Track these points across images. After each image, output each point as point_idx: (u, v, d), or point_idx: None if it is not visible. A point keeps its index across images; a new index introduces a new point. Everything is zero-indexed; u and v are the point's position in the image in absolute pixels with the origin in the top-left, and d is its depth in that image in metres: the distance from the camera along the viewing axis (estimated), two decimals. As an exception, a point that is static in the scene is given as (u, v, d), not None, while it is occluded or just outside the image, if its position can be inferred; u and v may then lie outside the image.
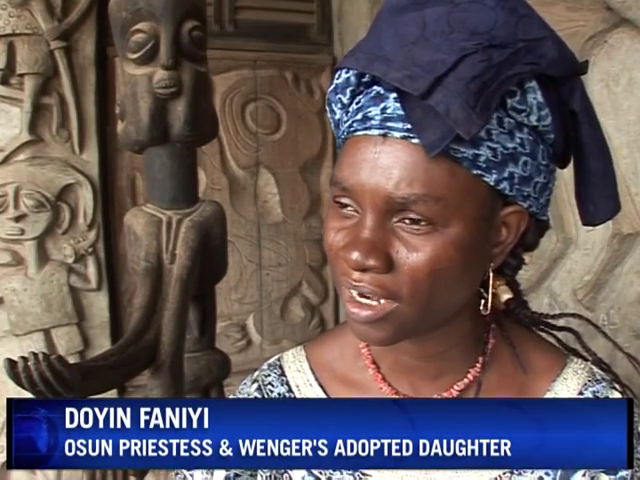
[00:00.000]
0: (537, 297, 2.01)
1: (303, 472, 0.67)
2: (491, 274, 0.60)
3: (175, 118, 1.47)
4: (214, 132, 1.63)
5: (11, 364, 1.04)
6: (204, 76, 1.54)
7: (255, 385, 0.71)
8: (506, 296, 0.63)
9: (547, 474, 0.64)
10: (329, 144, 2.53)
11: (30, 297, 2.04)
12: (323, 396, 0.69)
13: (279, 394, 0.70)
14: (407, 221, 0.53)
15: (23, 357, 1.05)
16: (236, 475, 0.68)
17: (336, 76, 0.59)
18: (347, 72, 0.57)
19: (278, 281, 2.51)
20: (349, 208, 0.56)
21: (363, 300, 0.56)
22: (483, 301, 0.61)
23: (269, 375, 0.72)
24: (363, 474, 0.65)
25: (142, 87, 1.45)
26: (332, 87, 0.59)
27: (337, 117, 0.61)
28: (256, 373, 0.73)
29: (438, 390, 0.65)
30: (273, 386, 0.70)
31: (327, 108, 0.62)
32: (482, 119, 0.51)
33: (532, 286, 2.01)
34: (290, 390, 0.70)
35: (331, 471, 0.66)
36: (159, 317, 1.40)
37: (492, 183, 0.54)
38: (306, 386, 0.70)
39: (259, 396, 0.70)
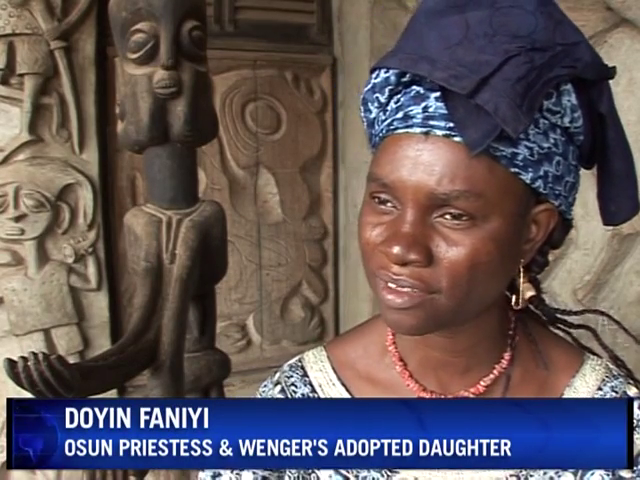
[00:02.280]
0: (537, 297, 2.01)
1: (330, 471, 0.67)
2: (522, 270, 0.62)
3: (175, 118, 1.47)
4: (214, 132, 1.63)
5: (11, 364, 1.04)
6: (204, 76, 1.54)
7: (278, 387, 0.72)
8: (529, 293, 0.64)
9: (558, 474, 0.64)
10: (329, 144, 2.53)
11: (30, 297, 2.04)
12: (347, 395, 0.69)
13: (303, 394, 0.70)
14: (448, 216, 0.55)
15: (23, 357, 1.05)
16: (264, 478, 0.69)
17: (374, 75, 0.60)
18: (386, 72, 0.58)
19: (278, 281, 2.51)
20: (388, 204, 0.58)
21: (400, 289, 0.57)
22: (514, 297, 0.63)
23: (291, 376, 0.72)
24: (391, 471, 0.66)
25: (142, 87, 1.45)
26: (369, 86, 0.61)
27: (372, 116, 0.62)
28: (277, 375, 0.73)
29: (465, 386, 0.66)
30: (296, 387, 0.71)
31: (362, 107, 0.63)
32: (528, 118, 0.53)
33: (532, 286, 2.01)
34: (314, 390, 0.70)
35: (358, 469, 0.66)
36: (159, 317, 1.40)
37: (528, 181, 0.56)
38: (329, 386, 0.70)
39: (283, 397, 0.70)
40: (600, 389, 0.67)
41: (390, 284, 0.57)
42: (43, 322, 2.06)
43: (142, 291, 1.43)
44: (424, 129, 0.55)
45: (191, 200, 1.57)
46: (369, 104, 0.61)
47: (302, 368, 0.72)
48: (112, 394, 2.12)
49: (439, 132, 0.55)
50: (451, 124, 0.54)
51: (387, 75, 0.58)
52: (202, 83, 1.52)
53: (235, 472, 0.70)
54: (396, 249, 0.55)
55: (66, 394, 1.09)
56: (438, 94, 0.55)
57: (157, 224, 1.52)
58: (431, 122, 0.55)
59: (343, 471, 0.67)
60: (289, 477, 0.68)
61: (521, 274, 0.62)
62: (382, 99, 0.60)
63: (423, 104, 0.56)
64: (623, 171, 0.63)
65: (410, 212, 0.56)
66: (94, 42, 2.06)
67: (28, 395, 1.08)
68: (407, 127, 0.56)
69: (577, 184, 0.62)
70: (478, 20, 0.55)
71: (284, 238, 2.51)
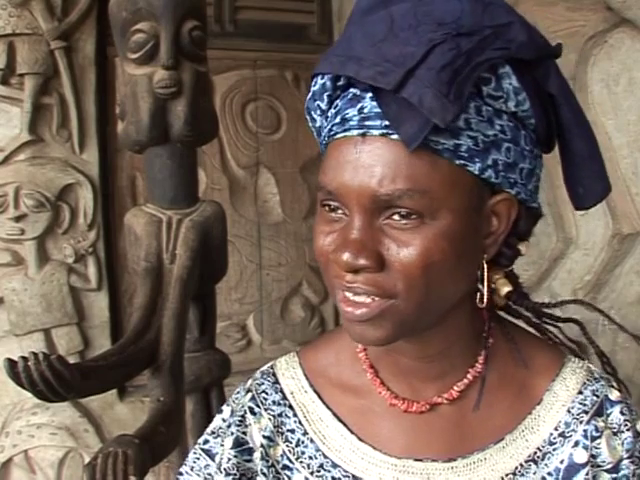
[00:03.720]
0: (537, 297, 1.98)
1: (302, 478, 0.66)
2: (485, 265, 0.59)
3: (175, 118, 1.47)
4: (214, 132, 1.63)
5: (11, 364, 1.04)
6: (204, 76, 1.54)
7: (249, 395, 0.70)
8: (506, 289, 0.62)
9: (550, 474, 0.64)
10: (329, 144, 2.53)
11: (30, 297, 2.04)
12: (319, 402, 0.68)
13: (273, 402, 0.69)
14: (395, 217, 0.54)
15: (23, 357, 1.05)
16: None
17: (312, 83, 0.59)
18: (322, 78, 0.58)
19: (278, 281, 2.51)
20: (338, 212, 0.57)
21: (357, 298, 0.55)
22: (479, 294, 0.60)
23: (262, 383, 0.71)
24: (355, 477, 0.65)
25: (142, 87, 1.45)
26: (309, 95, 0.60)
27: (318, 124, 0.61)
28: (249, 382, 0.72)
29: (439, 392, 0.64)
30: (267, 394, 0.69)
31: (307, 117, 0.62)
32: (456, 106, 0.51)
33: (532, 286, 2.01)
34: (285, 397, 0.69)
35: (330, 478, 0.65)
36: (159, 317, 1.40)
37: (476, 172, 0.54)
38: (301, 393, 0.69)
39: (253, 405, 0.69)
40: (581, 393, 0.65)
41: (347, 293, 0.56)
42: (43, 322, 2.06)
43: (142, 291, 1.43)
44: (361, 130, 0.54)
45: (191, 200, 1.58)
46: (312, 113, 0.61)
47: (274, 375, 0.71)
48: (112, 394, 2.13)
49: (375, 132, 0.53)
50: (386, 122, 0.53)
51: (323, 81, 0.58)
52: (202, 83, 1.52)
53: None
54: (345, 256, 0.53)
55: (66, 394, 1.09)
56: (372, 93, 0.54)
57: (157, 224, 1.52)
58: (367, 122, 0.54)
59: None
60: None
61: (485, 270, 0.59)
62: (323, 106, 0.59)
63: (359, 105, 0.55)
64: (585, 151, 0.60)
65: (357, 217, 0.54)
66: (94, 42, 2.06)
67: (28, 395, 1.08)
68: (345, 131, 0.55)
69: (537, 170, 0.60)
70: (402, 12, 0.54)
71: (284, 238, 2.51)
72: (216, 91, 2.29)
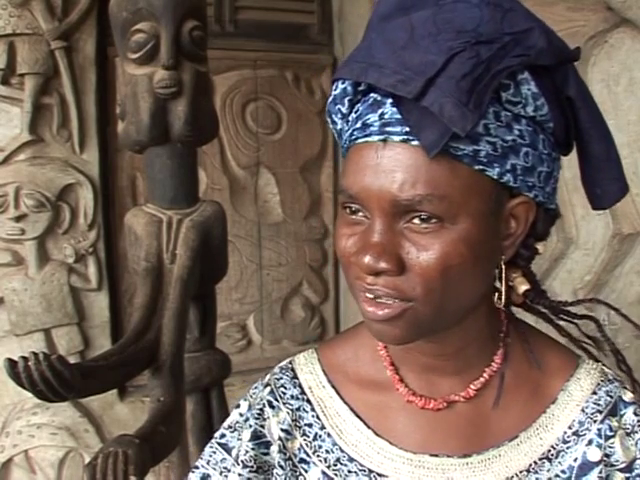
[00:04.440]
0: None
1: (319, 474, 0.67)
2: (503, 267, 0.60)
3: (175, 118, 1.47)
4: (214, 132, 1.63)
5: (11, 364, 1.04)
6: (204, 76, 1.54)
7: (268, 389, 0.71)
8: (523, 287, 0.63)
9: (563, 472, 0.64)
10: (329, 144, 2.53)
11: (30, 297, 2.04)
12: (336, 397, 0.69)
13: (292, 396, 0.70)
14: (416, 220, 0.54)
15: (23, 357, 1.05)
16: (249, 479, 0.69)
17: (333, 87, 0.60)
18: (343, 82, 0.59)
19: (278, 281, 2.51)
20: (359, 214, 0.58)
21: (378, 300, 0.57)
22: (497, 294, 0.62)
23: (281, 378, 0.72)
24: (379, 475, 0.66)
25: (142, 87, 1.45)
26: (330, 98, 0.61)
27: (339, 127, 0.62)
28: (267, 377, 0.73)
29: (455, 390, 0.66)
30: (286, 388, 0.71)
31: (328, 119, 0.63)
32: (476, 115, 0.51)
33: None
34: (303, 392, 0.70)
35: (346, 472, 0.66)
36: (159, 317, 1.40)
37: (495, 176, 0.55)
38: (319, 388, 0.70)
39: (272, 399, 0.70)
40: (595, 393, 0.66)
41: (368, 294, 0.57)
42: (44, 322, 2.06)
43: (142, 291, 1.43)
44: (382, 136, 0.55)
45: (191, 200, 1.57)
46: (333, 116, 0.62)
47: (292, 370, 0.72)
48: (113, 394, 2.13)
49: (396, 138, 0.54)
50: (407, 128, 0.54)
51: (344, 86, 0.58)
52: (202, 83, 1.52)
53: (223, 474, 0.71)
54: (367, 259, 0.55)
55: (66, 394, 1.09)
56: (393, 100, 0.55)
57: (157, 224, 1.52)
58: (388, 128, 0.55)
59: (330, 474, 0.67)
60: (277, 478, 0.68)
61: (503, 271, 0.61)
62: (344, 110, 0.60)
63: (380, 111, 0.56)
64: (603, 153, 0.61)
65: (378, 221, 0.55)
66: (94, 42, 2.06)
67: (28, 395, 1.08)
68: (366, 136, 0.56)
69: (555, 172, 0.60)
70: (422, 20, 0.54)
71: (284, 238, 2.51)
72: (216, 91, 2.29)
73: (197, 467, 0.73)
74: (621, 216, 1.87)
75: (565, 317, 0.70)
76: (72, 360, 1.47)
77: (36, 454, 2.10)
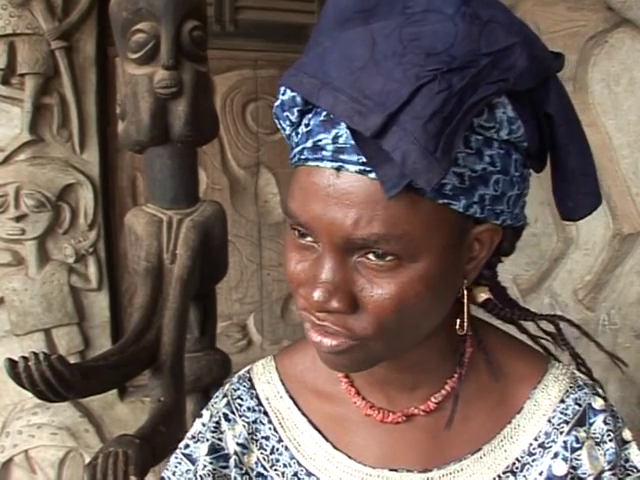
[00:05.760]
0: (538, 297, 2.01)
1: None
2: (465, 292, 0.56)
3: (176, 118, 1.47)
4: (215, 132, 1.63)
5: (12, 364, 1.04)
6: (205, 76, 1.54)
7: (225, 400, 0.68)
8: (483, 296, 0.60)
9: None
10: (330, 144, 2.53)
11: (31, 297, 2.04)
12: (294, 408, 0.66)
13: (248, 408, 0.67)
14: (370, 256, 0.49)
15: (24, 357, 1.05)
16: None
17: (281, 92, 0.53)
18: (292, 91, 0.51)
19: (279, 281, 2.51)
20: (308, 238, 0.52)
21: (327, 330, 0.53)
22: (459, 321, 0.57)
23: (238, 389, 0.69)
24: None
25: (143, 87, 1.45)
26: (278, 102, 0.53)
27: (287, 132, 0.56)
28: (226, 387, 0.70)
29: (415, 402, 0.62)
30: (242, 400, 0.68)
31: (275, 121, 0.56)
32: (444, 164, 0.45)
33: (533, 286, 2.01)
34: (260, 404, 0.67)
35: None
36: (160, 317, 1.40)
37: (461, 210, 0.49)
38: (276, 398, 0.67)
39: (228, 412, 0.67)
40: (563, 401, 0.62)
41: (316, 323, 0.53)
42: (44, 322, 2.06)
43: (143, 291, 1.43)
44: (335, 164, 0.48)
45: (192, 200, 1.58)
46: (281, 121, 0.55)
47: (250, 380, 0.69)
48: (113, 394, 2.13)
49: (352, 168, 0.47)
50: (364, 159, 0.47)
51: (293, 95, 0.51)
52: (203, 83, 1.52)
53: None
54: (316, 296, 0.50)
55: (67, 394, 1.09)
56: None
57: (158, 224, 1.52)
58: (342, 156, 0.48)
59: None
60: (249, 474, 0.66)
61: (465, 297, 0.56)
62: (293, 119, 0.53)
63: (334, 132, 0.48)
64: (579, 168, 0.56)
65: (329, 256, 0.50)
66: (95, 42, 2.07)
67: (28, 395, 1.08)
68: (317, 160, 0.49)
69: (525, 191, 0.55)
70: (386, 34, 0.47)
71: (285, 238, 2.51)
72: (216, 91, 2.29)
73: (163, 478, 0.70)
74: (621, 216, 1.87)
75: (527, 318, 0.65)
76: (72, 360, 1.47)
77: (36, 454, 2.10)
